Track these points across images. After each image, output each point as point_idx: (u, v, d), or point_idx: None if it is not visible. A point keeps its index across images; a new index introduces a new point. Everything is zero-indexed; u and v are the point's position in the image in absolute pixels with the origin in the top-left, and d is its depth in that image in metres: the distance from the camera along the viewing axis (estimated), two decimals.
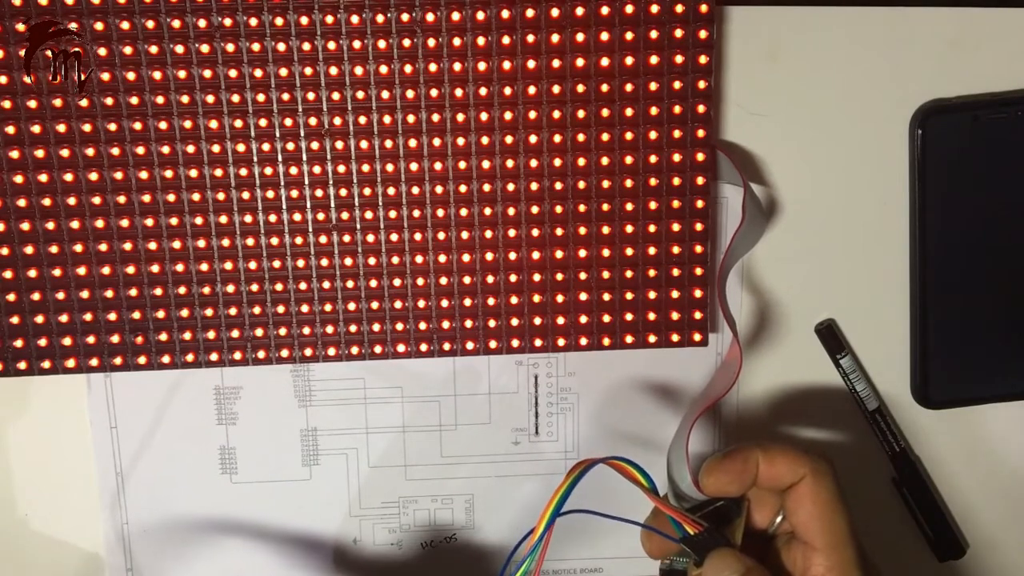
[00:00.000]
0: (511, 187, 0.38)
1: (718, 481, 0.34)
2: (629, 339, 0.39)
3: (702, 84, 0.37)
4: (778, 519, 0.35)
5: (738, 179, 0.38)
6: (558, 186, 0.38)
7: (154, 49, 0.36)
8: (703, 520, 0.34)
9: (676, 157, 0.38)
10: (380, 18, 0.36)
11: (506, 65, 0.37)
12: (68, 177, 0.37)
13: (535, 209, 0.38)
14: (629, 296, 0.39)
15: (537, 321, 0.39)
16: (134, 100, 0.36)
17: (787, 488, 0.34)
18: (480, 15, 0.36)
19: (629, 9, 0.36)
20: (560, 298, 0.39)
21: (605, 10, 0.36)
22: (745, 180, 0.37)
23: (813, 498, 0.34)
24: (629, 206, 0.38)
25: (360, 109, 0.37)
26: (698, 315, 0.39)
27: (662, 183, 0.38)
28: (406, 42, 0.36)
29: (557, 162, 0.38)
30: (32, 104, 0.36)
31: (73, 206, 0.37)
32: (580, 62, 0.37)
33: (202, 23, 0.36)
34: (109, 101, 0.36)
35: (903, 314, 0.41)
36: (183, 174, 0.37)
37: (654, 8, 0.36)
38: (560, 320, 0.39)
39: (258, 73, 0.36)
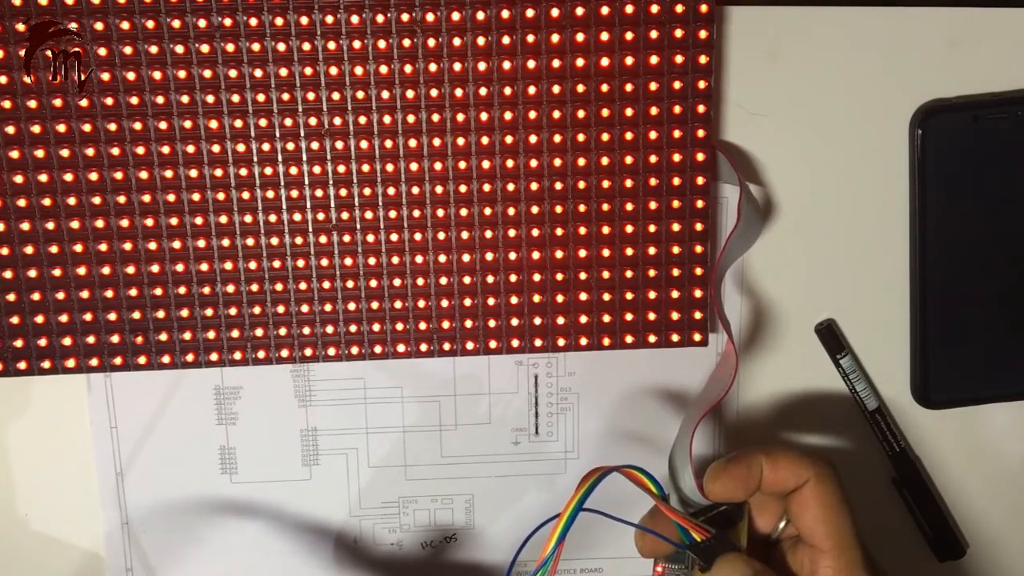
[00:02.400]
0: (511, 187, 0.38)
1: (723, 487, 0.35)
2: (629, 339, 0.39)
3: (702, 84, 0.37)
4: (781, 524, 0.36)
5: (735, 180, 0.38)
6: (558, 186, 0.38)
7: (154, 49, 0.36)
8: (708, 525, 0.34)
9: (676, 157, 0.38)
10: (380, 18, 0.36)
11: (506, 65, 0.37)
12: (68, 177, 0.37)
13: (535, 209, 0.38)
14: (629, 296, 0.39)
15: (537, 321, 0.39)
16: (134, 100, 0.36)
17: (791, 492, 0.34)
18: (480, 15, 0.36)
19: (629, 9, 0.36)
20: (560, 298, 0.39)
21: (605, 10, 0.36)
22: (742, 181, 0.37)
23: (818, 501, 0.34)
24: (629, 206, 0.38)
25: (360, 109, 0.37)
26: (698, 315, 0.39)
27: (662, 183, 0.38)
28: (406, 42, 0.36)
29: (557, 162, 0.38)
30: (32, 104, 0.36)
31: (73, 206, 0.37)
32: (580, 62, 0.37)
33: (202, 23, 0.36)
34: (109, 101, 0.36)
35: (903, 314, 0.41)
36: (183, 174, 0.37)
37: (654, 8, 0.36)
38: (560, 320, 0.39)
39: (258, 73, 0.36)
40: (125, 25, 0.36)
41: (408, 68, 0.37)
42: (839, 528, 0.34)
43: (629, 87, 0.37)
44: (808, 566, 0.34)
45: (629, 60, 0.37)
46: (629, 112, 0.37)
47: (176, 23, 0.36)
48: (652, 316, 0.39)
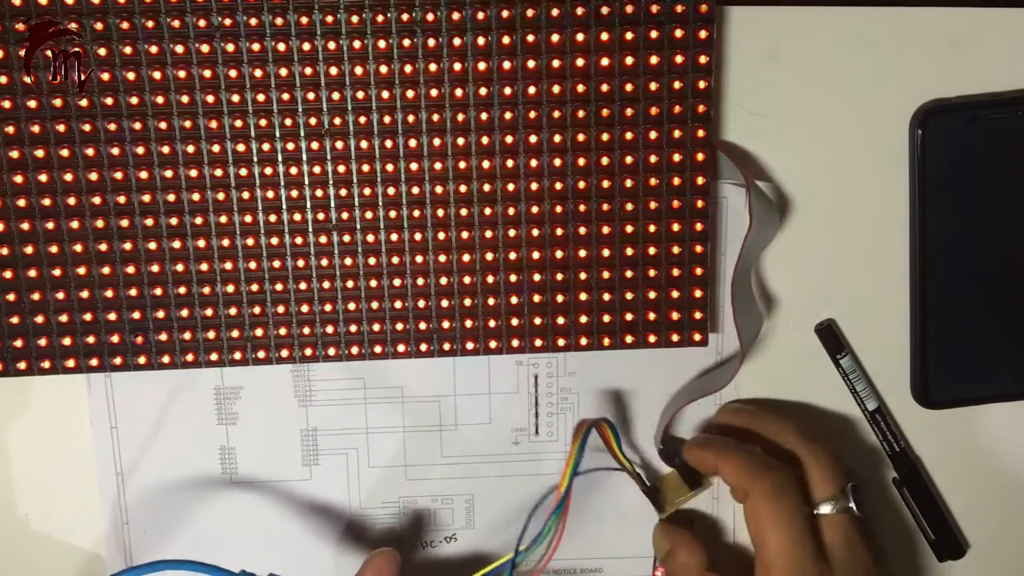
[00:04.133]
0: (511, 187, 0.38)
1: (691, 458, 0.39)
2: (629, 339, 0.39)
3: (702, 84, 0.37)
4: None
5: (740, 179, 0.38)
6: (558, 186, 0.38)
7: (154, 49, 0.36)
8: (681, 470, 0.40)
9: (676, 157, 0.38)
10: (380, 18, 0.36)
11: (506, 65, 0.37)
12: (68, 177, 0.37)
13: (535, 209, 0.38)
14: (629, 296, 0.39)
15: (537, 321, 0.39)
16: (134, 100, 0.36)
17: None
18: (480, 15, 0.36)
19: (629, 9, 0.36)
20: (560, 298, 0.39)
21: (605, 10, 0.36)
22: (750, 181, 0.37)
23: (753, 516, 0.36)
24: (629, 206, 0.38)
25: (360, 109, 0.37)
26: (698, 315, 0.39)
27: (662, 183, 0.38)
28: (406, 42, 0.36)
29: (557, 162, 0.38)
30: (32, 104, 0.36)
31: (73, 206, 0.37)
32: (580, 62, 0.37)
33: (202, 23, 0.36)
34: (109, 101, 0.36)
35: (903, 314, 0.41)
36: (183, 174, 0.37)
37: (654, 8, 0.36)
38: (560, 320, 0.39)
39: (258, 73, 0.36)
40: (125, 25, 0.36)
41: (408, 68, 0.37)
42: (767, 546, 0.35)
43: (629, 87, 0.37)
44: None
45: (629, 60, 0.37)
46: (629, 112, 0.37)
47: (176, 23, 0.36)
48: (652, 316, 0.39)
